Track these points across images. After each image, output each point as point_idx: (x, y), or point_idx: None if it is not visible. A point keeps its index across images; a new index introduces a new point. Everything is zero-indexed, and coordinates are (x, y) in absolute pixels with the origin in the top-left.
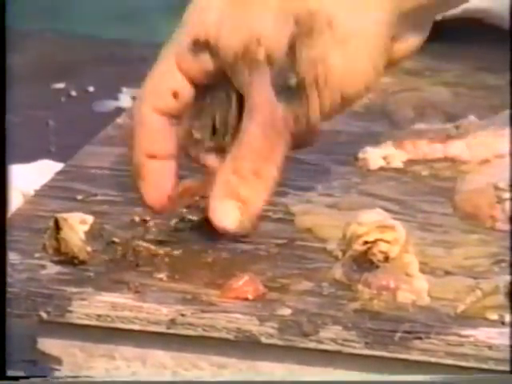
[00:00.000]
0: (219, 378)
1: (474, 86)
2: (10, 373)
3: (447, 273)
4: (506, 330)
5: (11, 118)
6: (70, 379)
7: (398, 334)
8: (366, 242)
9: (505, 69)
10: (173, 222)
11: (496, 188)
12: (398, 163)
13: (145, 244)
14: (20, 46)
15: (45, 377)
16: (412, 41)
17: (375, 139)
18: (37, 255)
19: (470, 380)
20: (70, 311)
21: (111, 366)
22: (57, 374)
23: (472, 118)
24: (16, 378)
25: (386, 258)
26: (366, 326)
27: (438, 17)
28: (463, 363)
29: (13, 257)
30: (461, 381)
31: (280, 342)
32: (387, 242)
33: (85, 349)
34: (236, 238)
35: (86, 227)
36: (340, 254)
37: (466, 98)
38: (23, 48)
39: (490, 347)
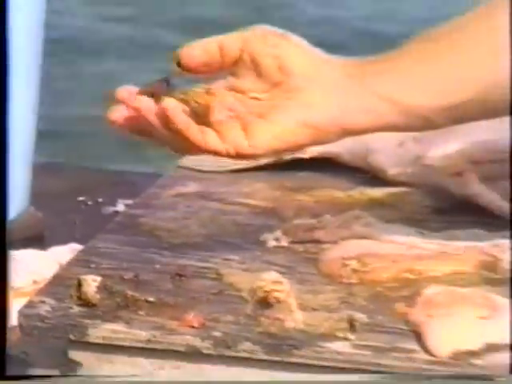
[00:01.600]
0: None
1: (327, 198)
2: (47, 372)
3: (314, 309)
4: (348, 343)
5: (54, 220)
6: (71, 378)
7: (285, 346)
8: (265, 291)
9: (349, 187)
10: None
11: (342, 258)
12: (284, 243)
13: (131, 293)
14: (57, 175)
15: (44, 376)
16: None
17: (270, 228)
18: (66, 301)
19: (470, 380)
20: (88, 334)
21: (113, 367)
22: (79, 371)
23: (328, 216)
24: (16, 378)
25: (278, 301)
26: (266, 342)
27: (299, 155)
28: (324, 363)
29: (52, 302)
30: (461, 381)
31: (214, 353)
32: (278, 291)
33: (96, 357)
34: None
35: (96, 283)
36: (250, 299)
37: (324, 204)
38: (58, 176)
39: (338, 353)
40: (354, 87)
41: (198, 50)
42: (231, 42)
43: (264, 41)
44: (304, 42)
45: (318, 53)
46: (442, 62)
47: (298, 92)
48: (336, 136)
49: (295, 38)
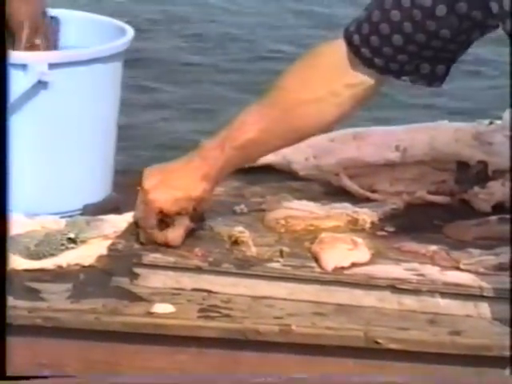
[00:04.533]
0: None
1: (268, 188)
2: (122, 280)
3: (261, 246)
4: (279, 263)
5: (124, 199)
6: (70, 379)
7: (246, 265)
8: (236, 236)
9: (280, 181)
10: None
11: (276, 219)
12: (245, 211)
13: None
14: (126, 175)
15: (44, 377)
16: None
17: (238, 204)
18: (131, 242)
19: (470, 380)
20: (142, 259)
21: (155, 277)
22: (138, 279)
23: (269, 197)
24: (16, 378)
25: (242, 241)
26: (236, 263)
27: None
28: (267, 274)
29: (123, 242)
30: (462, 381)
31: (209, 269)
32: (243, 236)
33: (146, 271)
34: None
35: None
36: (228, 240)
37: (267, 191)
38: (127, 175)
39: (274, 268)
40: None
41: None
42: None
43: None
44: None
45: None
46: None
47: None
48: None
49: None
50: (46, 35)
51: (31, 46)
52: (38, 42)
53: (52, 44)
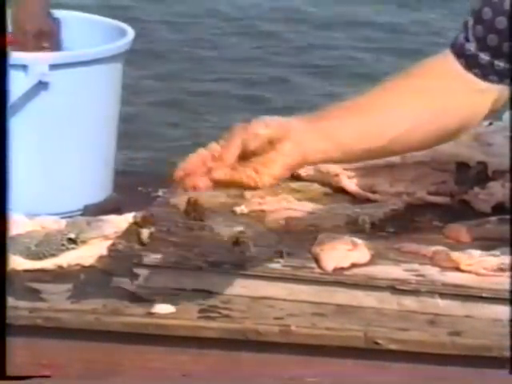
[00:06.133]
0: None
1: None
2: (122, 280)
3: (261, 246)
4: (279, 264)
5: (125, 199)
6: (70, 379)
7: (247, 265)
8: (236, 237)
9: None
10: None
11: (276, 219)
12: (246, 212)
13: (165, 238)
14: (127, 176)
15: (46, 377)
16: None
17: (238, 204)
18: (132, 242)
19: (470, 380)
20: (143, 260)
21: (156, 277)
22: (139, 279)
23: (269, 197)
24: (16, 378)
25: (243, 242)
26: (237, 263)
27: None
28: (267, 275)
29: (124, 243)
30: (462, 382)
31: (210, 269)
32: (243, 237)
33: (147, 271)
34: None
35: (147, 233)
36: (228, 240)
37: (267, 191)
38: (128, 177)
39: (274, 269)
40: (314, 137)
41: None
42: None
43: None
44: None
45: (287, 120)
46: (370, 120)
47: (279, 148)
48: (302, 166)
49: (269, 119)
50: (53, 37)
51: (39, 50)
52: (45, 44)
53: (58, 45)
